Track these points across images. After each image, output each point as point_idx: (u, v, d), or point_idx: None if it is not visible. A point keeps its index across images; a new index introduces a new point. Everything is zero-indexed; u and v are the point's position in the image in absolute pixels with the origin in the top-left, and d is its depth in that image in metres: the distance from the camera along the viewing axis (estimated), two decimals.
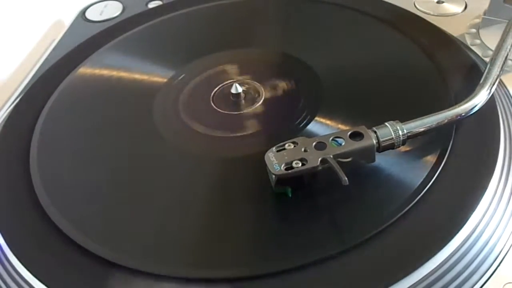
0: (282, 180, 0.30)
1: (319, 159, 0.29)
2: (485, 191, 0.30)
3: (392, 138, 0.31)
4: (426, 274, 0.27)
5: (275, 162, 0.30)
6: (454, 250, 0.28)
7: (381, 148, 0.31)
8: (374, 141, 0.30)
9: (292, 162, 0.30)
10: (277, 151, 0.30)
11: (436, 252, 0.28)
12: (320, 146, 0.30)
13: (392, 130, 0.31)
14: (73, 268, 0.30)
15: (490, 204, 0.30)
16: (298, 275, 0.28)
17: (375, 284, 0.27)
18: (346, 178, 0.28)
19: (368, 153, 0.31)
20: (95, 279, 0.29)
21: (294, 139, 0.31)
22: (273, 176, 0.30)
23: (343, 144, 0.30)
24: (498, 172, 0.32)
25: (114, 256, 0.29)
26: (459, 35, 0.45)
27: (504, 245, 0.30)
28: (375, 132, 0.31)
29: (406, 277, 0.27)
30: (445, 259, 0.28)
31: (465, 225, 0.29)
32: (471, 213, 0.29)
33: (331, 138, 0.31)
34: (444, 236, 0.28)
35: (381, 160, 0.32)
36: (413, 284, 0.27)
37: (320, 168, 0.30)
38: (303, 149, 0.30)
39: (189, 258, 0.30)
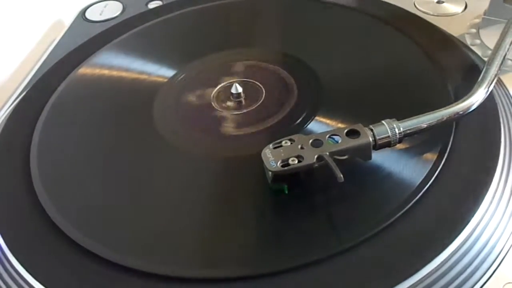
0: (278, 176, 0.30)
1: (315, 156, 0.30)
2: (485, 191, 0.30)
3: (389, 136, 0.31)
4: (426, 274, 0.27)
5: (271, 158, 0.30)
6: (454, 250, 0.28)
7: (378, 146, 0.31)
8: (371, 139, 0.30)
9: (288, 159, 0.30)
10: (274, 148, 0.31)
11: (436, 252, 0.28)
12: (317, 143, 0.30)
13: (389, 128, 0.31)
14: (73, 268, 0.30)
15: (490, 204, 0.30)
16: (298, 275, 0.27)
17: (375, 284, 0.27)
18: (342, 175, 0.28)
19: (365, 151, 0.31)
20: (95, 279, 0.29)
21: (291, 136, 0.31)
22: (270, 172, 0.30)
23: (339, 141, 0.30)
24: (498, 172, 0.32)
25: (114, 256, 0.29)
26: (459, 35, 0.45)
27: (504, 245, 0.30)
28: (371, 130, 0.31)
29: (406, 277, 0.27)
30: (445, 259, 0.28)
31: (465, 225, 0.29)
32: (472, 213, 0.29)
33: (327, 136, 0.31)
34: (444, 236, 0.28)
35: (381, 159, 0.32)
36: (413, 284, 0.27)
37: (316, 165, 0.30)
38: (299, 146, 0.30)
39: (189, 258, 0.30)
